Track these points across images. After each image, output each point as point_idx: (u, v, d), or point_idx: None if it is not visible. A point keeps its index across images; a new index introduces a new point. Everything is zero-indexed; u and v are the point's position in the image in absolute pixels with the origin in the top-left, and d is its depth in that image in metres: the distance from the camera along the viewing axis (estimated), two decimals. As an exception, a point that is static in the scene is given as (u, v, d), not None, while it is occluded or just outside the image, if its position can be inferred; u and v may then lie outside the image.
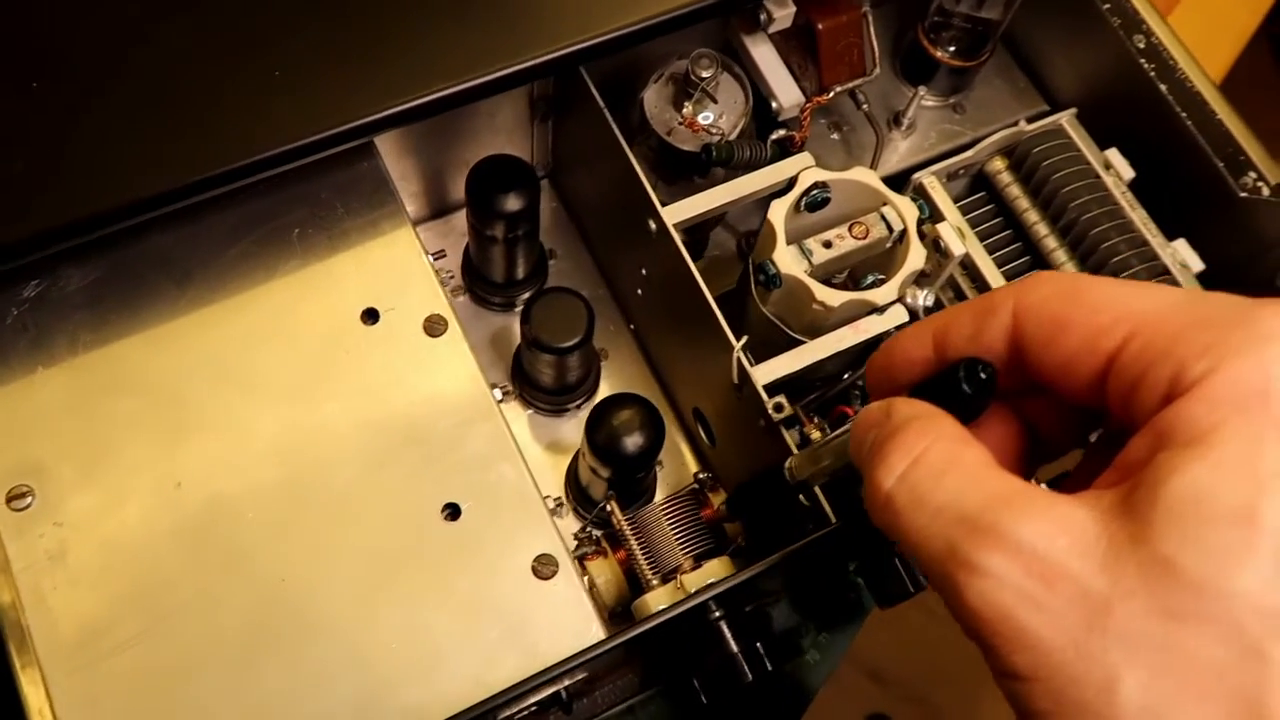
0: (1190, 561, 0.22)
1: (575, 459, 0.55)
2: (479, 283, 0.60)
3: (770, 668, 0.42)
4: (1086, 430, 0.31)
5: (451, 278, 0.58)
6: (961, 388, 0.28)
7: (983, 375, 0.28)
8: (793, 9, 0.54)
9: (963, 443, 0.27)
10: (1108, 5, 0.55)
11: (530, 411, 0.59)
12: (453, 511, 0.42)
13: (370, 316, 0.44)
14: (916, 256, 0.50)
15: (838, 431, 0.39)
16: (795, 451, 0.45)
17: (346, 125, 0.44)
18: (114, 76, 0.43)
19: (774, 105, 0.56)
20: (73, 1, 0.44)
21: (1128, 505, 0.23)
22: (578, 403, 0.59)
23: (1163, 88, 0.54)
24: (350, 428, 0.43)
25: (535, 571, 0.41)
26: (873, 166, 0.58)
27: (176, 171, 0.42)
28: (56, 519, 0.40)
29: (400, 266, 0.45)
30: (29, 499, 0.41)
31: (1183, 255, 0.54)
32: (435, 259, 0.49)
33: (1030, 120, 0.58)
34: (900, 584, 0.50)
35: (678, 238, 0.49)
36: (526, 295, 0.60)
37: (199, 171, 0.42)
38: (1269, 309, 0.24)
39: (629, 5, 0.47)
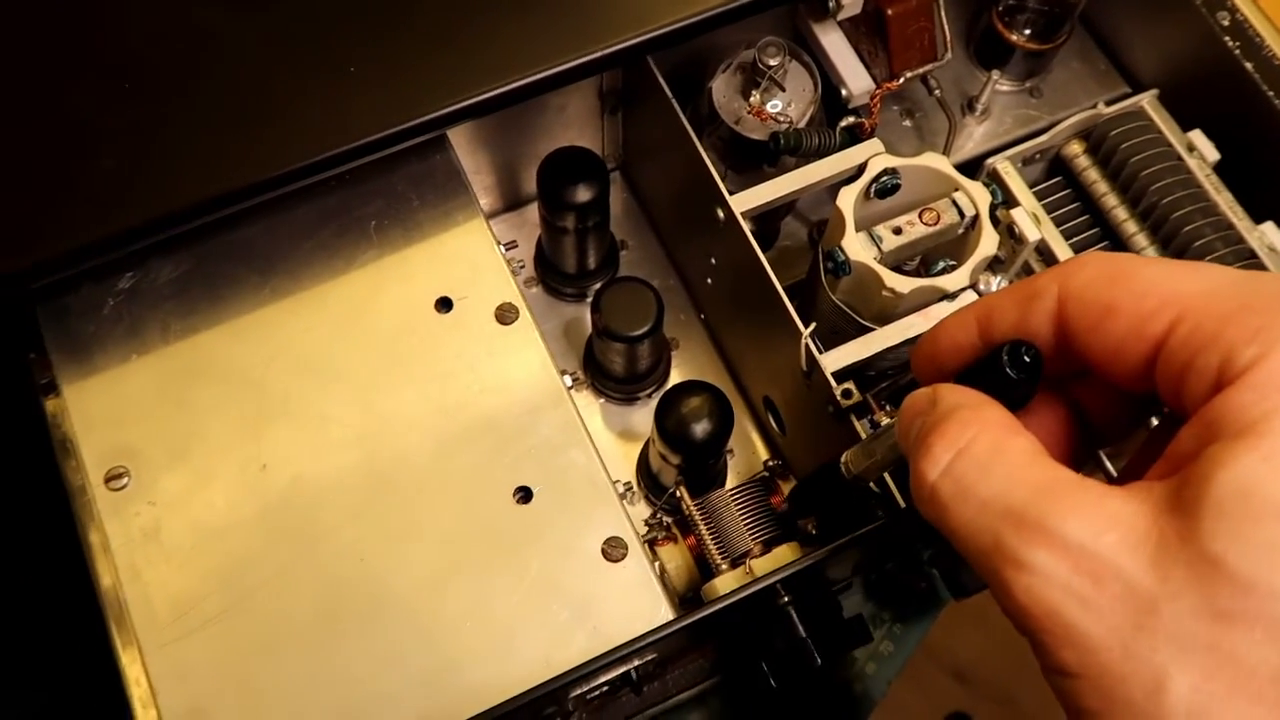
0: (1239, 559, 0.22)
1: (646, 446, 0.55)
2: (551, 274, 0.60)
3: (840, 654, 0.42)
4: (1141, 414, 0.30)
5: (523, 268, 0.59)
6: (1005, 371, 0.27)
7: (1027, 358, 0.27)
8: (862, -5, 0.54)
9: (1010, 431, 0.26)
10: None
11: (602, 400, 0.59)
12: (524, 495, 0.43)
13: (444, 305, 0.46)
14: (989, 242, 0.49)
15: (887, 424, 0.38)
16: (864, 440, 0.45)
17: (420, 119, 0.45)
18: (196, 77, 0.45)
19: (844, 93, 0.56)
20: (158, 6, 0.46)
21: (1177, 500, 0.23)
22: (648, 391, 0.59)
23: (1248, 65, 0.52)
24: (425, 414, 0.44)
25: (605, 554, 0.42)
26: (945, 153, 0.57)
27: (258, 166, 0.44)
28: (150, 498, 0.42)
29: (472, 256, 0.47)
30: (125, 479, 0.43)
31: (1270, 238, 0.52)
32: (507, 249, 0.50)
33: (1109, 103, 0.57)
34: (974, 575, 0.50)
35: (745, 226, 0.49)
36: (598, 285, 0.61)
37: (280, 166, 0.44)
38: None
39: (696, -5, 0.47)
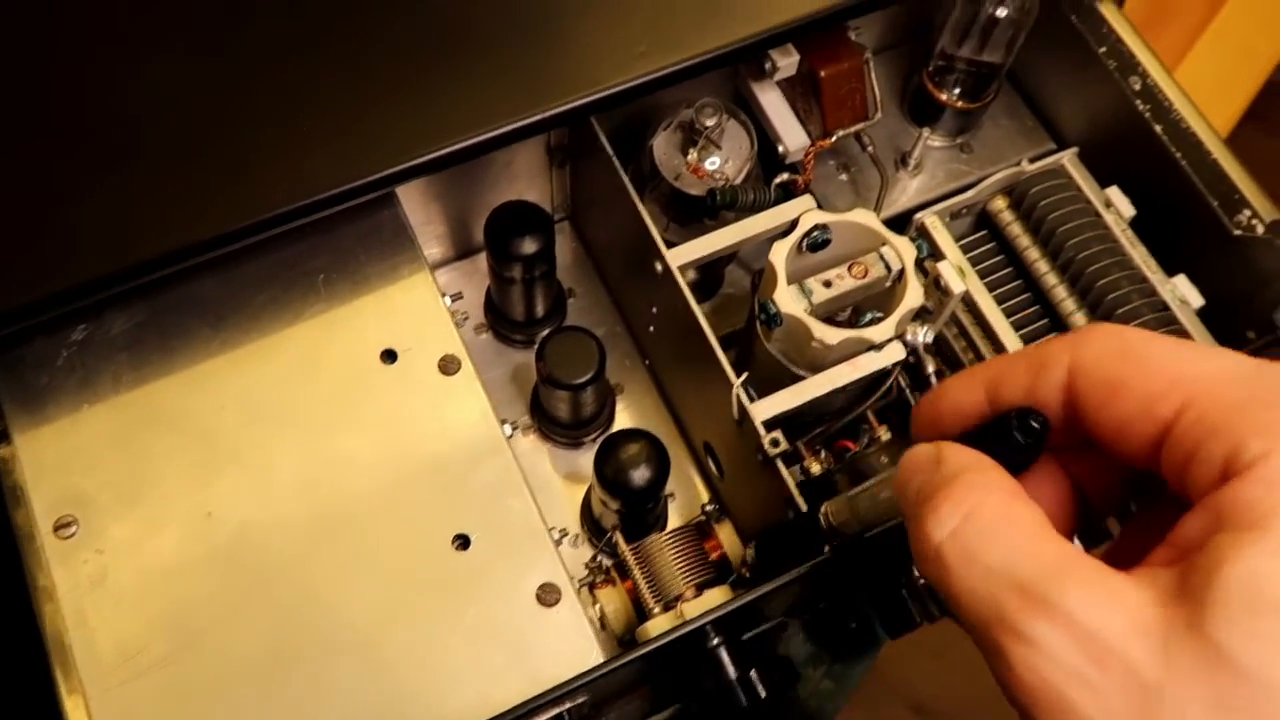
0: (1245, 652, 0.22)
1: (589, 491, 0.57)
2: (500, 321, 0.62)
3: (766, 695, 0.44)
4: (1131, 495, 0.31)
5: (466, 319, 0.61)
6: (1014, 436, 0.27)
7: (1035, 425, 0.27)
8: (796, 57, 0.56)
9: (1017, 499, 0.26)
10: (1104, 49, 0.56)
11: (549, 444, 0.61)
12: (463, 542, 0.44)
13: (389, 357, 0.47)
14: (914, 295, 0.52)
15: (875, 480, 0.39)
16: (794, 490, 0.47)
17: (369, 178, 0.47)
18: (150, 133, 0.47)
19: (780, 148, 0.59)
20: (116, 63, 0.48)
21: (1184, 588, 0.23)
22: (594, 435, 0.61)
23: (1158, 128, 0.55)
24: (369, 462, 0.45)
25: (540, 599, 0.43)
26: (877, 207, 0.60)
27: (211, 223, 0.45)
28: (98, 546, 0.44)
29: (417, 309, 0.48)
30: (74, 528, 0.44)
31: (1183, 291, 0.55)
32: (452, 300, 0.52)
33: (1033, 160, 0.60)
34: (908, 617, 0.52)
35: (680, 279, 0.51)
36: (546, 332, 0.63)
37: (233, 223, 0.45)
38: None
39: (638, 59, 0.49)
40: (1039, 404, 0.28)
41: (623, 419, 0.63)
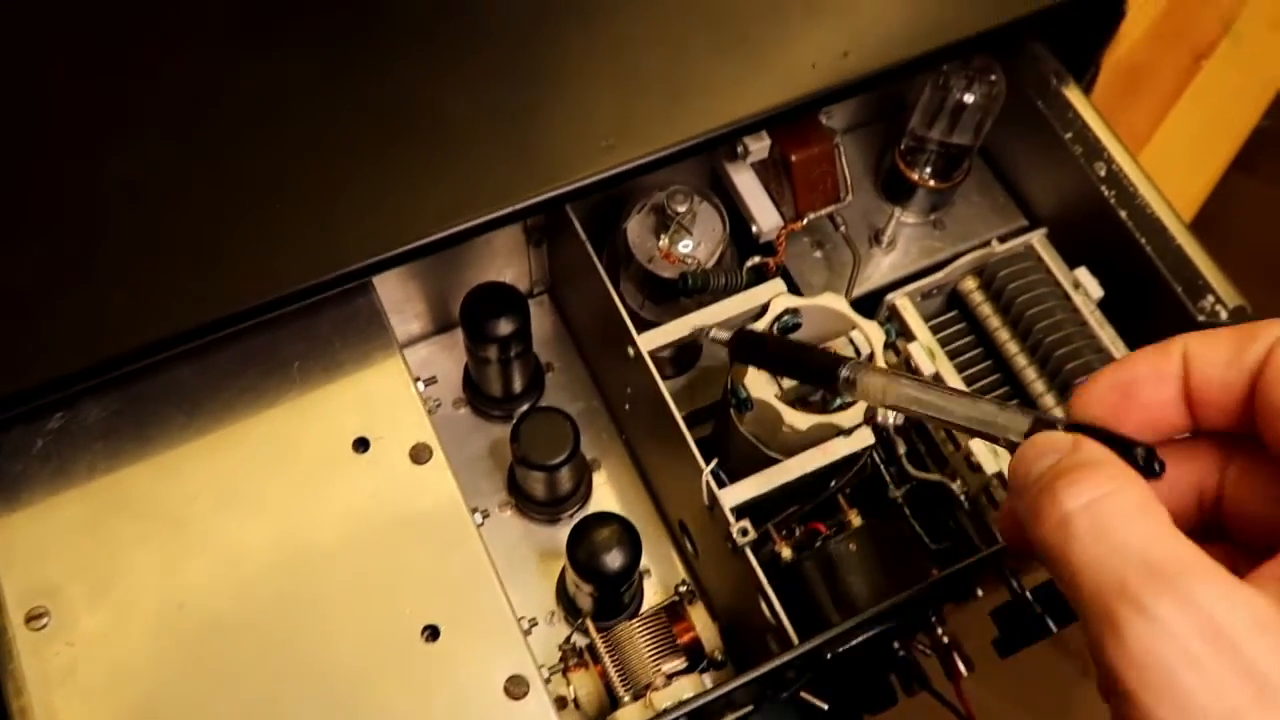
0: None
1: (564, 570, 0.57)
2: (478, 396, 0.63)
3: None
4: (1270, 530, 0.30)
5: (439, 405, 0.61)
6: (1138, 464, 0.28)
7: (1157, 467, 0.28)
8: (767, 142, 0.57)
9: (1152, 498, 0.26)
10: (1069, 134, 0.58)
11: (526, 521, 0.62)
12: (432, 633, 0.44)
13: (361, 445, 0.48)
14: (882, 380, 0.52)
15: (945, 396, 0.36)
16: (761, 578, 0.48)
17: (346, 269, 0.48)
18: (130, 223, 0.47)
19: (754, 229, 0.60)
20: (90, 153, 0.49)
21: None
22: (570, 512, 0.61)
23: (1123, 214, 0.56)
24: (340, 551, 0.46)
25: (508, 692, 0.43)
26: (850, 285, 0.61)
27: (186, 316, 0.46)
28: (69, 638, 0.44)
29: (390, 396, 0.49)
30: (45, 619, 0.44)
31: (1150, 372, 0.56)
32: (425, 385, 0.52)
33: (1004, 238, 0.61)
34: (888, 693, 0.52)
35: (651, 364, 0.52)
36: (524, 408, 0.63)
37: (207, 316, 0.46)
38: None
39: (604, 151, 0.50)
40: (1232, 380, 0.28)
41: (600, 494, 0.63)
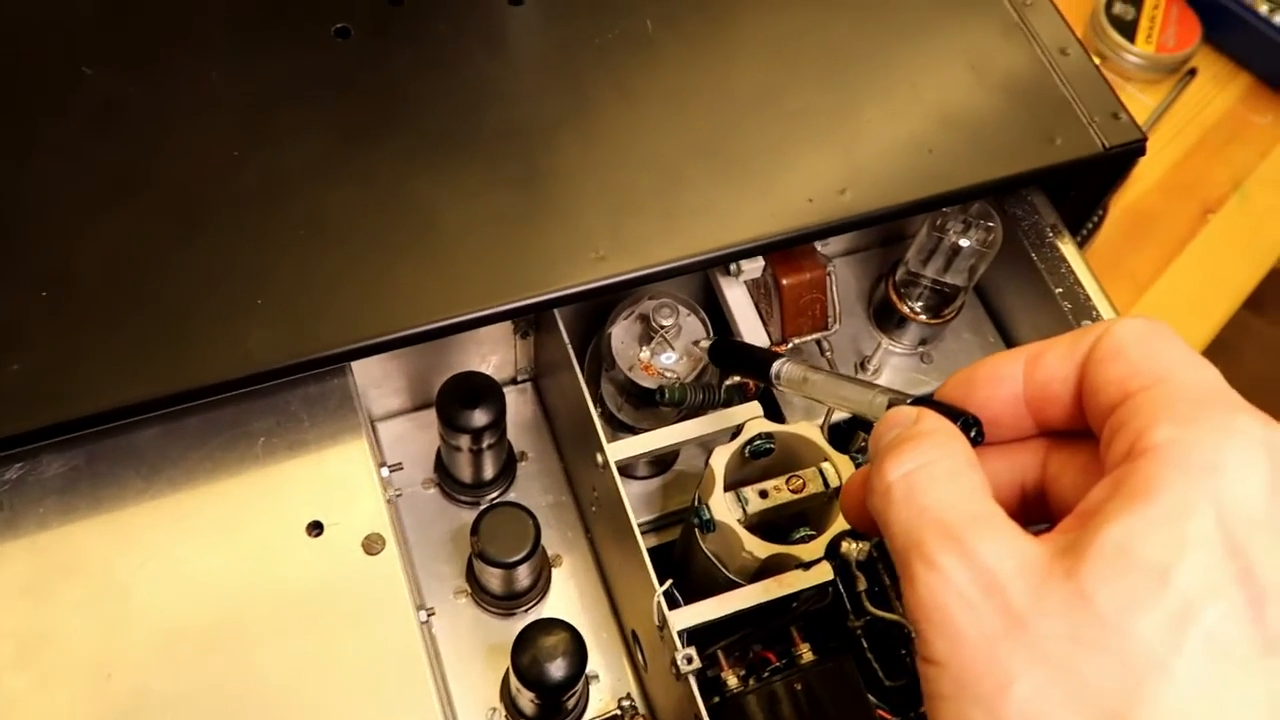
0: (1104, 600, 0.25)
1: (508, 671, 0.56)
2: (448, 480, 0.63)
3: None
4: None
5: (398, 495, 0.61)
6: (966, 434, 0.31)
7: (973, 434, 0.31)
8: (760, 262, 0.58)
9: (969, 466, 0.30)
10: (1060, 290, 0.58)
11: (481, 611, 0.61)
12: (363, 733, 0.44)
13: (315, 529, 0.47)
14: (847, 517, 0.52)
15: (853, 384, 0.42)
16: (701, 709, 0.47)
17: (323, 354, 0.48)
18: (112, 291, 0.48)
19: (740, 346, 0.60)
20: (68, 217, 0.49)
21: (1072, 544, 0.27)
22: (526, 607, 0.61)
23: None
24: (279, 638, 0.45)
25: (432, 802, 0.43)
26: (829, 412, 0.60)
27: (158, 383, 0.46)
28: (-9, 698, 0.43)
29: (351, 481, 0.49)
30: (-30, 673, 0.43)
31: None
32: (390, 471, 0.52)
33: (989, 380, 0.60)
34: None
35: (616, 475, 0.52)
36: (494, 495, 0.63)
37: (180, 385, 0.46)
38: (1253, 415, 0.28)
39: (595, 262, 0.51)
40: (1067, 373, 0.31)
41: (560, 591, 0.62)
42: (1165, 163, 1.01)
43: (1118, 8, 1.08)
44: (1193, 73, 1.08)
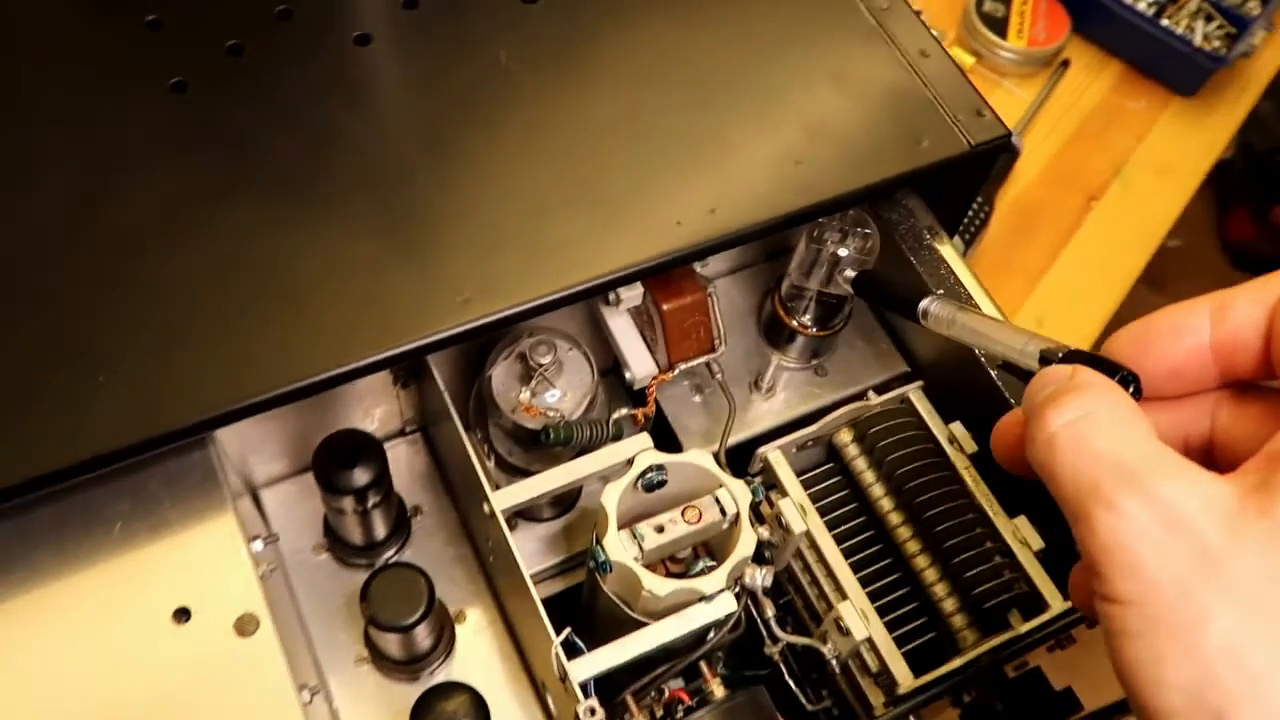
0: None
1: (413, 738, 0.54)
2: (339, 544, 0.60)
3: None
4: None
5: (274, 570, 0.58)
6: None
7: (1131, 390, 0.31)
8: (640, 289, 0.56)
9: (1134, 413, 0.30)
10: (942, 290, 0.57)
11: (385, 678, 0.58)
12: (244, 829, 0.41)
13: (182, 615, 0.44)
14: (748, 542, 0.50)
15: (1002, 330, 0.41)
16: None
17: (178, 425, 0.45)
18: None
19: (628, 375, 0.58)
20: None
21: (1264, 483, 0.27)
22: (431, 668, 0.58)
23: (993, 373, 0.55)
24: (149, 737, 0.42)
25: None
26: (725, 435, 0.59)
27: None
28: None
29: (219, 560, 0.46)
30: None
31: (1024, 533, 0.55)
32: (265, 543, 0.49)
33: (885, 386, 0.60)
34: None
35: (504, 524, 0.50)
36: (389, 554, 0.60)
37: (19, 476, 0.43)
38: None
39: (461, 305, 0.49)
40: (1258, 318, 0.31)
41: (467, 647, 0.60)
42: (1046, 154, 1.03)
43: (988, 5, 1.10)
44: (1066, 64, 1.11)
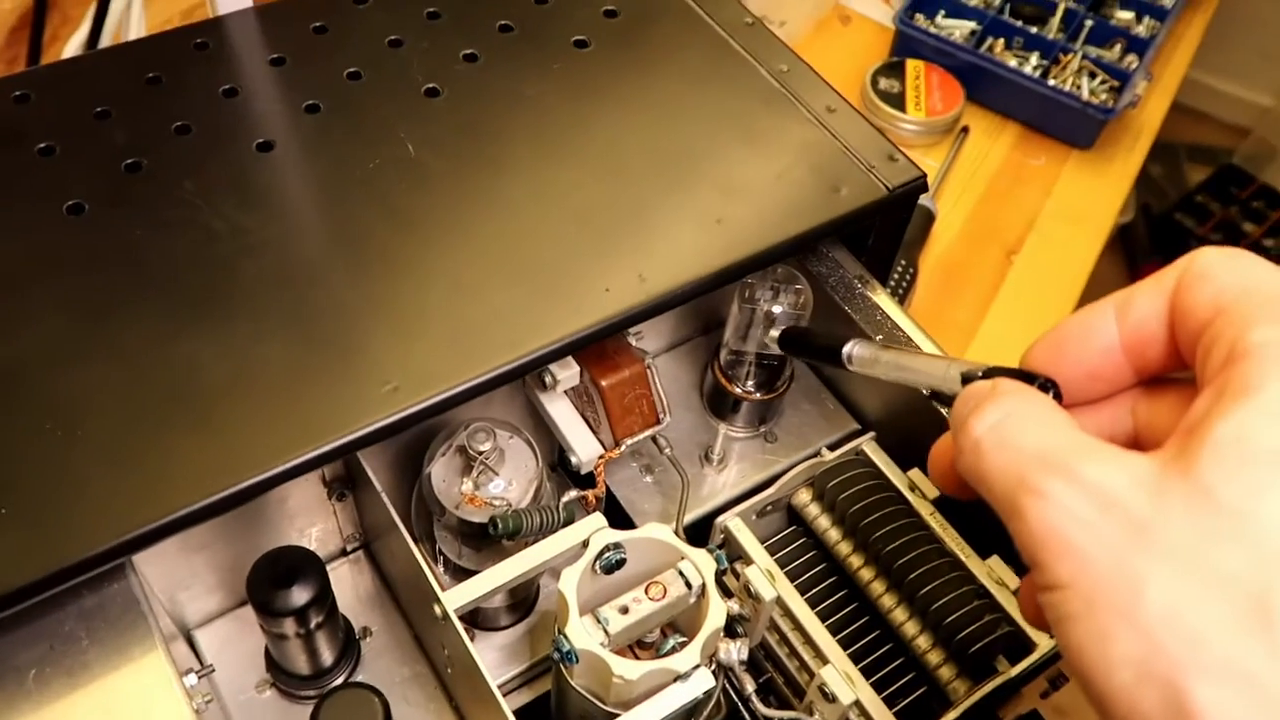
0: (1227, 491, 0.25)
1: None
2: (283, 676, 0.56)
3: None
4: None
5: (210, 701, 0.54)
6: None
7: (1051, 394, 0.31)
8: (575, 369, 0.55)
9: (1054, 410, 0.30)
10: (880, 336, 0.57)
11: (343, 817, 0.53)
12: None
13: (108, 766, 0.40)
14: (717, 613, 0.48)
15: (918, 359, 0.42)
16: None
17: (88, 554, 0.42)
18: None
19: (573, 460, 0.56)
20: None
21: (1182, 449, 0.27)
22: (394, 802, 0.53)
23: (944, 412, 0.54)
24: None
25: None
26: (681, 511, 0.57)
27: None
28: None
29: (148, 699, 0.42)
30: None
31: (999, 573, 0.53)
32: (200, 675, 0.45)
33: (835, 445, 0.58)
34: None
35: (459, 626, 0.46)
36: (338, 681, 0.56)
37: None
38: None
39: (389, 395, 0.46)
40: (1160, 308, 0.31)
41: (430, 774, 0.55)
42: (961, 214, 1.05)
43: (883, 84, 1.13)
44: (965, 130, 1.14)
